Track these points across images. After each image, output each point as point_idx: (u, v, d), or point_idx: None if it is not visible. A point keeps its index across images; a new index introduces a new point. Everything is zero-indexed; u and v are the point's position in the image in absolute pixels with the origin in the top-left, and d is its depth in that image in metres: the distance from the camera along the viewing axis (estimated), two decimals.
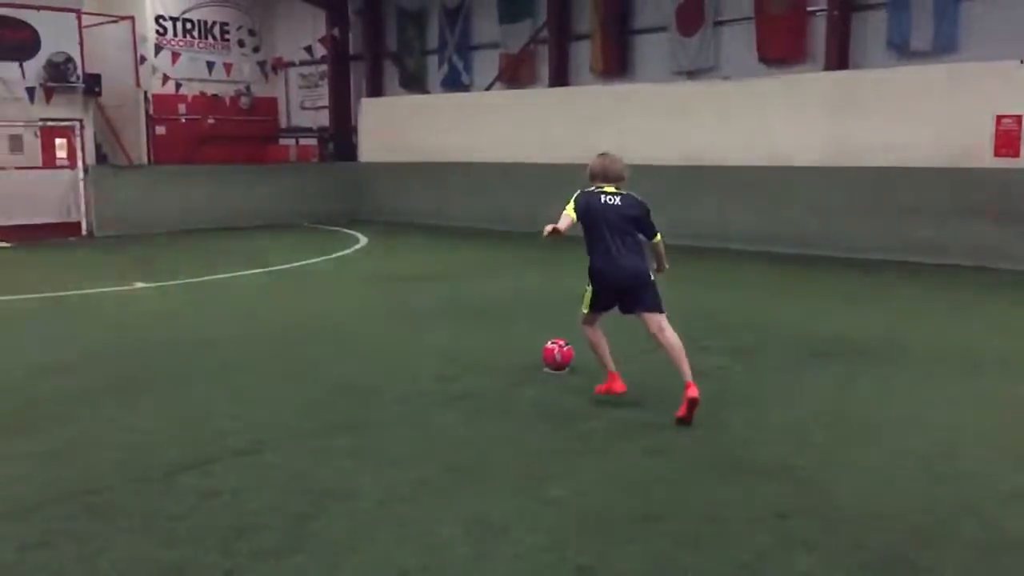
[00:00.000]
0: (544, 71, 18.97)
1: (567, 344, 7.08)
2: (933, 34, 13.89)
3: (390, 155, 20.57)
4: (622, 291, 6.13)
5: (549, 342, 7.09)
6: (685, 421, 5.74)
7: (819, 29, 15.17)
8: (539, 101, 18.22)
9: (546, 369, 7.04)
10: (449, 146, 19.25)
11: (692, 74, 16.70)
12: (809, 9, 15.31)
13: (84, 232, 17.24)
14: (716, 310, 9.84)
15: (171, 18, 22.23)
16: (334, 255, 14.78)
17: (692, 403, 5.74)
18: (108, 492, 4.71)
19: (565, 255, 9.40)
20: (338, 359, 7.70)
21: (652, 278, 6.15)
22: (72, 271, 13.13)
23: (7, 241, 15.63)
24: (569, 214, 6.09)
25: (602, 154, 6.52)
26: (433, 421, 6.00)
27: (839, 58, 14.73)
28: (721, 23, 16.39)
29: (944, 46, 13.79)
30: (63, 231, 16.95)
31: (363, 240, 16.74)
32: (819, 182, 14.21)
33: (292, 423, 5.92)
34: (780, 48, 15.60)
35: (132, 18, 20.65)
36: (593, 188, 6.27)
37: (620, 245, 6.03)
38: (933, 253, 13.05)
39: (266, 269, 13.05)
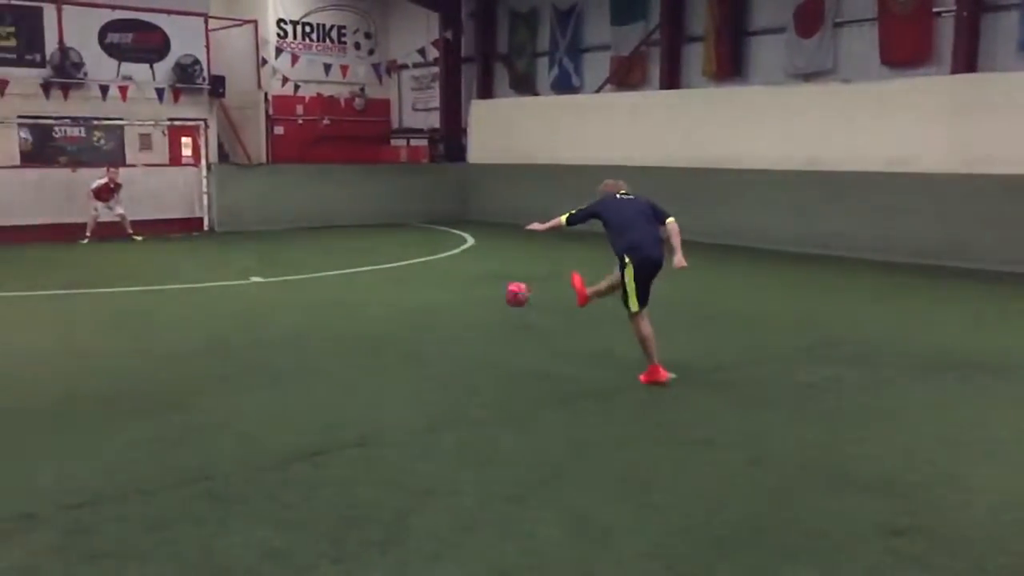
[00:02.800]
0: (655, 73, 18.79)
1: (528, 289, 7.62)
2: None
3: (499, 156, 20.72)
4: (656, 268, 6.79)
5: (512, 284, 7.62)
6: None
7: (946, 30, 14.55)
8: (650, 103, 18.05)
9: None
10: (558, 148, 19.27)
11: (809, 76, 16.28)
12: (935, 10, 14.72)
13: (206, 227, 17.96)
14: (828, 320, 9.58)
15: (291, 22, 22.97)
16: (442, 254, 14.99)
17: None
18: (224, 478, 4.90)
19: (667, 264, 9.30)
20: (443, 357, 7.81)
21: None
22: (194, 264, 13.70)
23: (140, 235, 16.38)
24: (562, 218, 7.09)
25: (609, 181, 7.41)
26: (536, 421, 6.03)
27: (967, 61, 14.10)
28: (841, 24, 15.92)
29: None
30: (187, 226, 17.70)
31: (470, 240, 16.92)
32: (942, 190, 13.63)
33: (398, 418, 6.04)
34: (904, 50, 15.05)
35: (255, 22, 21.42)
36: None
37: (648, 230, 6.79)
38: None
39: (377, 267, 13.34)
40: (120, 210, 16.23)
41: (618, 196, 7.12)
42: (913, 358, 7.75)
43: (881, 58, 15.31)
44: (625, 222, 6.84)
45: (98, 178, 16.11)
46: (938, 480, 4.94)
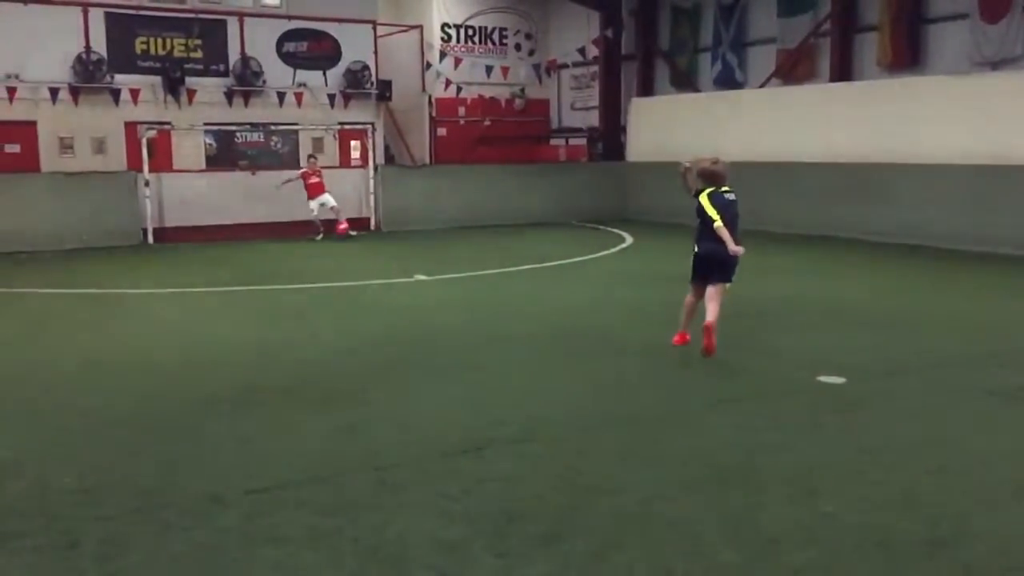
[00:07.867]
0: (824, 66, 18.10)
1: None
2: None
3: (658, 155, 20.40)
4: (722, 263, 7.28)
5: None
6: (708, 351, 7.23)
7: None
8: (820, 97, 17.38)
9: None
10: (720, 145, 18.69)
11: (997, 65, 15.26)
12: None
13: (373, 227, 18.62)
14: (1017, 323, 8.95)
15: (455, 25, 23.51)
16: (601, 253, 14.96)
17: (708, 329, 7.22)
18: (393, 468, 5.06)
19: (837, 264, 8.96)
20: (604, 354, 7.79)
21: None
22: (362, 263, 14.23)
23: (320, 234, 17.09)
24: (715, 216, 7.16)
25: (715, 160, 7.42)
26: (701, 422, 5.93)
27: None
28: None
29: None
30: (355, 226, 18.35)
31: (629, 239, 16.81)
32: None
33: (562, 415, 6.07)
34: None
35: (420, 27, 22.03)
36: (714, 188, 7.28)
37: (733, 233, 7.24)
38: None
39: (536, 265, 13.46)
40: (332, 203, 16.95)
41: (726, 195, 7.30)
42: None
43: None
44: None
45: (292, 172, 16.94)
46: None
